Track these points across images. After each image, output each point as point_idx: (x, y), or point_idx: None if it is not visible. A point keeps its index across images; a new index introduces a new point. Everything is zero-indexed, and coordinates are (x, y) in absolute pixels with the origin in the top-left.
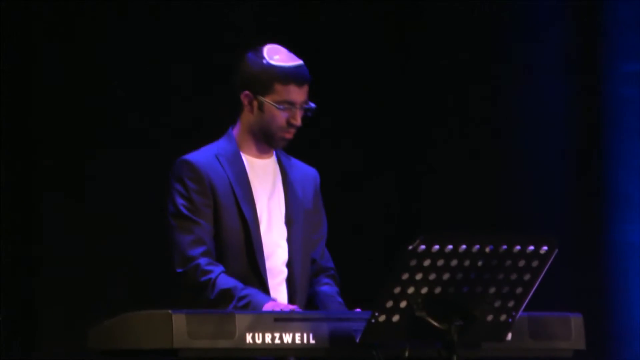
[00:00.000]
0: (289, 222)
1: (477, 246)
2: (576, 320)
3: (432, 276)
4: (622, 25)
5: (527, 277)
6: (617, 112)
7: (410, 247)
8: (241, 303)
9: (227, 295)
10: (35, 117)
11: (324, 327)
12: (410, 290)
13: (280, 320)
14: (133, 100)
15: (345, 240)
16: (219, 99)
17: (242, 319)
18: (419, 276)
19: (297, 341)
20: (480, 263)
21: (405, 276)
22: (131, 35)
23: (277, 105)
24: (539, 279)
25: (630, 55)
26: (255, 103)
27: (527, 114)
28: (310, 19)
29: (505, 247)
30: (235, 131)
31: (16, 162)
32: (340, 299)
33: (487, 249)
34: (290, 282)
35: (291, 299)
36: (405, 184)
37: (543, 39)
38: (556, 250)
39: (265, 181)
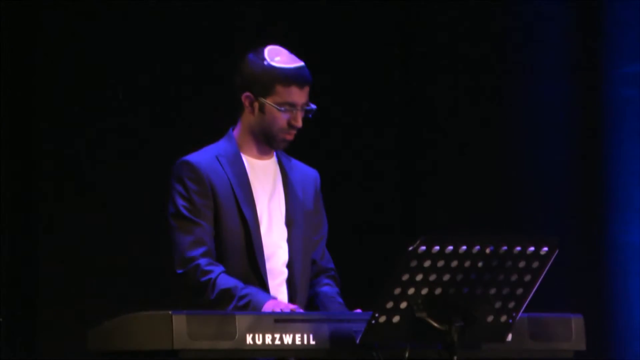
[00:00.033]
0: (289, 223)
1: (478, 247)
2: (577, 321)
3: (432, 277)
4: (622, 26)
5: (527, 278)
6: (618, 113)
7: (410, 248)
8: (242, 302)
9: (227, 294)
10: (35, 117)
11: (324, 328)
12: (411, 291)
13: (281, 321)
14: (133, 100)
15: (346, 240)
16: (219, 99)
17: (242, 320)
18: (419, 277)
19: (298, 342)
20: (480, 264)
21: (405, 277)
22: (132, 35)
23: (278, 107)
24: (540, 280)
25: (631, 56)
26: (256, 104)
27: (528, 114)
28: (311, 20)
29: (505, 248)
30: (236, 132)
31: (16, 162)
32: (340, 300)
33: (488, 250)
34: (290, 283)
35: (291, 300)
36: (405, 185)
37: (544, 40)
38: (557, 251)
39: (266, 182)
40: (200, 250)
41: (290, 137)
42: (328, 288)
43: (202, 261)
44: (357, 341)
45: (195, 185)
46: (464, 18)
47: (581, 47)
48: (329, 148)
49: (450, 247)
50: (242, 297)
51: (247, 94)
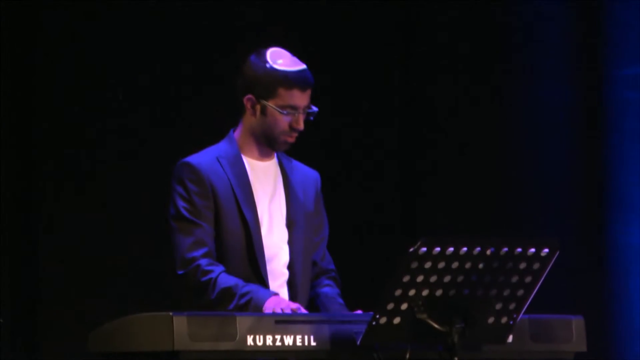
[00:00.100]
0: (290, 224)
1: (478, 248)
2: (577, 323)
3: (433, 278)
4: (623, 28)
5: (528, 279)
6: (618, 115)
7: (411, 250)
8: (243, 300)
9: (228, 293)
10: (35, 117)
11: (325, 329)
12: (412, 292)
13: (281, 323)
14: (134, 101)
15: (346, 241)
16: (219, 99)
17: (243, 321)
18: (420, 278)
19: (298, 343)
20: (481, 265)
21: (406, 278)
22: (132, 35)
23: (280, 110)
24: (540, 282)
25: (631, 58)
26: (257, 107)
27: (528, 115)
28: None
29: (506, 249)
30: (237, 134)
31: (16, 162)
32: (341, 301)
33: (489, 252)
34: (291, 284)
35: (292, 301)
36: (405, 185)
37: (544, 40)
38: (557, 253)
39: (267, 184)
40: (201, 251)
41: (291, 140)
42: (329, 289)
43: (203, 262)
44: (358, 342)
45: (195, 186)
46: (464, 18)
47: (581, 47)
48: (329, 148)
49: (451, 249)
50: (243, 295)
51: (249, 96)
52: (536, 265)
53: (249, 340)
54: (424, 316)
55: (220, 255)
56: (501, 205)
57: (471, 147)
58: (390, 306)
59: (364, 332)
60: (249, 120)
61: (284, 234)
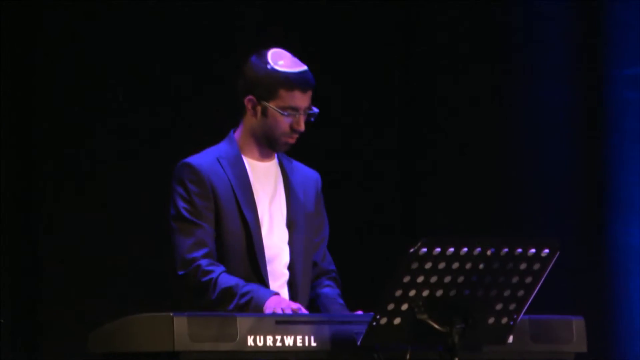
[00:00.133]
0: (290, 225)
1: (479, 249)
2: (578, 323)
3: (433, 279)
4: (623, 28)
5: (528, 279)
6: (618, 115)
7: (411, 250)
8: (243, 300)
9: (229, 293)
10: (35, 117)
11: (325, 330)
12: (412, 292)
13: (282, 323)
14: (134, 101)
15: (346, 241)
16: (219, 99)
17: (243, 322)
18: (420, 279)
19: (299, 344)
20: (481, 266)
21: (406, 279)
22: (132, 35)
23: (281, 111)
24: (541, 282)
25: (631, 58)
26: (258, 108)
27: (528, 115)
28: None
29: (506, 249)
30: (237, 134)
31: (16, 162)
32: (341, 301)
33: (489, 252)
34: (291, 284)
35: (293, 302)
36: (405, 185)
37: (544, 40)
38: (558, 253)
39: (267, 184)
40: (202, 251)
41: (292, 141)
42: (329, 290)
43: (203, 262)
44: (358, 343)
45: (196, 187)
46: (464, 18)
47: (581, 47)
48: (329, 148)
49: (452, 249)
50: (243, 295)
51: (250, 97)
52: (536, 266)
53: (250, 340)
54: (424, 317)
55: (220, 255)
56: (501, 205)
57: (471, 147)
58: (391, 307)
59: (364, 333)
60: (250, 121)
61: (285, 235)
